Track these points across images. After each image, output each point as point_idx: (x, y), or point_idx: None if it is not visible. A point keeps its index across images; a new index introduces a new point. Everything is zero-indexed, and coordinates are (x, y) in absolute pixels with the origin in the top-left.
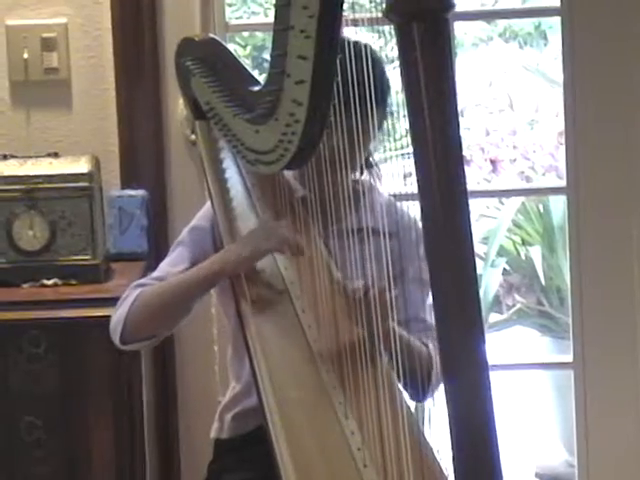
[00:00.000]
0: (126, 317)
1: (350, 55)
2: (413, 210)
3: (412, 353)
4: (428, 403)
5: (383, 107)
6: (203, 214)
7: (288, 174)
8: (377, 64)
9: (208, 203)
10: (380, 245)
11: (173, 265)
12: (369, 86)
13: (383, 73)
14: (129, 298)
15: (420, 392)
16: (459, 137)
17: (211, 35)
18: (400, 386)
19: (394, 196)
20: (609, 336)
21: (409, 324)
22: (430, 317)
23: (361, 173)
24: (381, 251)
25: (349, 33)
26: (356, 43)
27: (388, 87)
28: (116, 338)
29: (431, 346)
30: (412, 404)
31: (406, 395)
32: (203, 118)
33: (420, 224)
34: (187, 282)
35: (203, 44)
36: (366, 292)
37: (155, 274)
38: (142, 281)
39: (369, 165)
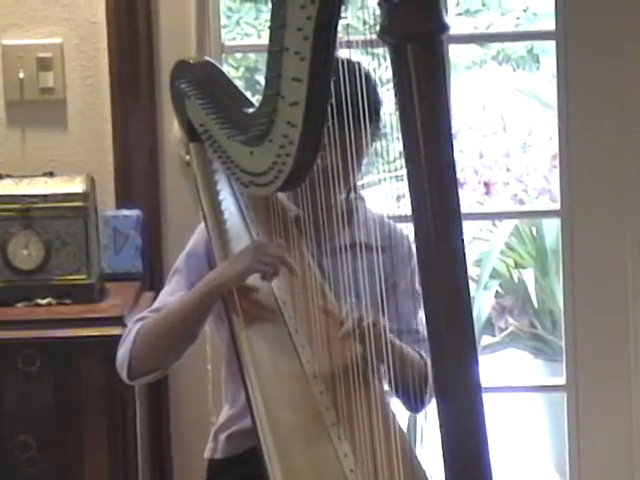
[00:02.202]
0: (130, 353)
1: (341, 72)
2: (406, 230)
3: (406, 363)
4: (421, 423)
5: (376, 122)
6: (197, 239)
7: (281, 194)
8: (368, 80)
9: (201, 225)
10: (373, 260)
11: (171, 294)
12: (361, 101)
13: (374, 88)
14: (131, 334)
15: (415, 403)
16: (453, 158)
17: (206, 57)
18: (395, 397)
19: (387, 217)
20: (602, 359)
21: (402, 336)
22: (422, 328)
23: (354, 190)
24: (373, 265)
25: (343, 55)
26: (347, 60)
27: (380, 102)
28: (123, 375)
29: (425, 356)
30: (405, 425)
31: (401, 406)
32: (197, 140)
33: (411, 238)
34: (183, 306)
35: (198, 66)
36: (360, 322)
37: (154, 305)
38: (142, 315)
39: (358, 186)
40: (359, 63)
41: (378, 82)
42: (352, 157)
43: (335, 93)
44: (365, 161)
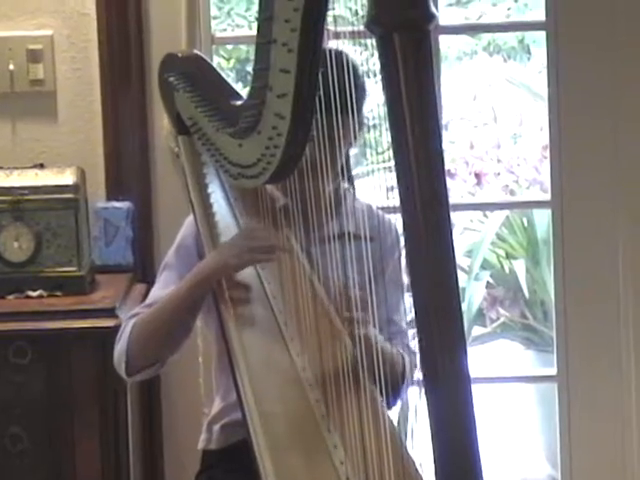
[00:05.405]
0: (127, 349)
1: (328, 62)
2: (394, 220)
3: (386, 361)
4: (411, 416)
5: (360, 107)
6: (186, 232)
7: (270, 185)
8: (352, 66)
9: (189, 218)
10: (361, 249)
11: (163, 289)
12: (345, 87)
13: (358, 74)
14: (126, 331)
15: (388, 398)
16: (441, 148)
17: (195, 51)
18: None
19: (376, 207)
20: (593, 349)
21: (383, 326)
22: (403, 321)
23: (342, 179)
24: (362, 255)
25: (331, 46)
26: (333, 51)
27: (364, 88)
28: (122, 372)
29: (401, 350)
30: (395, 418)
31: None
32: (186, 133)
33: (398, 228)
34: (174, 299)
35: (187, 60)
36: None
37: (147, 301)
38: (135, 311)
39: (349, 175)
40: (346, 54)
41: (366, 72)
42: (338, 140)
43: (322, 83)
44: (353, 151)
